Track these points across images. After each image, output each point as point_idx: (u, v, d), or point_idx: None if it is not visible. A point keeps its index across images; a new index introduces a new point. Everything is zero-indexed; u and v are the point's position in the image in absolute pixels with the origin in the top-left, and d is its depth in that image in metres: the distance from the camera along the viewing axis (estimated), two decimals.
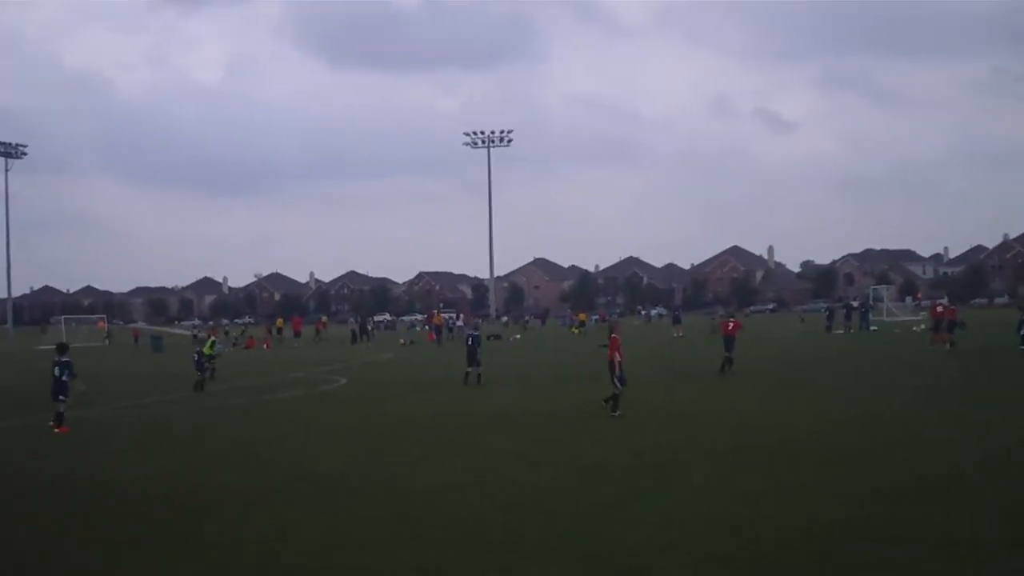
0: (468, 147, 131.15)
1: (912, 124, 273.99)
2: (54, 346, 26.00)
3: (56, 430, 22.37)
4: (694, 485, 13.96)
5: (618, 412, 21.84)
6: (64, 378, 22.74)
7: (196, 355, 34.89)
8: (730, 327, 34.48)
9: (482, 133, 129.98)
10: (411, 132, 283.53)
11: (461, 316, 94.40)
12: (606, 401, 22.43)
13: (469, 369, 32.60)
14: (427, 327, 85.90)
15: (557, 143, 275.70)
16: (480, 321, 60.59)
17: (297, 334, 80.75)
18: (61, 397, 22.67)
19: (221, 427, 23.56)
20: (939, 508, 11.94)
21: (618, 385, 22.23)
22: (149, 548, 11.41)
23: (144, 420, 25.43)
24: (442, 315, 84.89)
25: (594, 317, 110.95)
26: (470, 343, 33.21)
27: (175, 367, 45.84)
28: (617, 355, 22.49)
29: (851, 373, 32.73)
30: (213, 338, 39.57)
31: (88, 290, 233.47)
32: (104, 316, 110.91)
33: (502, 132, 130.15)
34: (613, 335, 23.22)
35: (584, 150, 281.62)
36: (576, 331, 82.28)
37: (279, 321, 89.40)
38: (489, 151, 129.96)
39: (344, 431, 21.85)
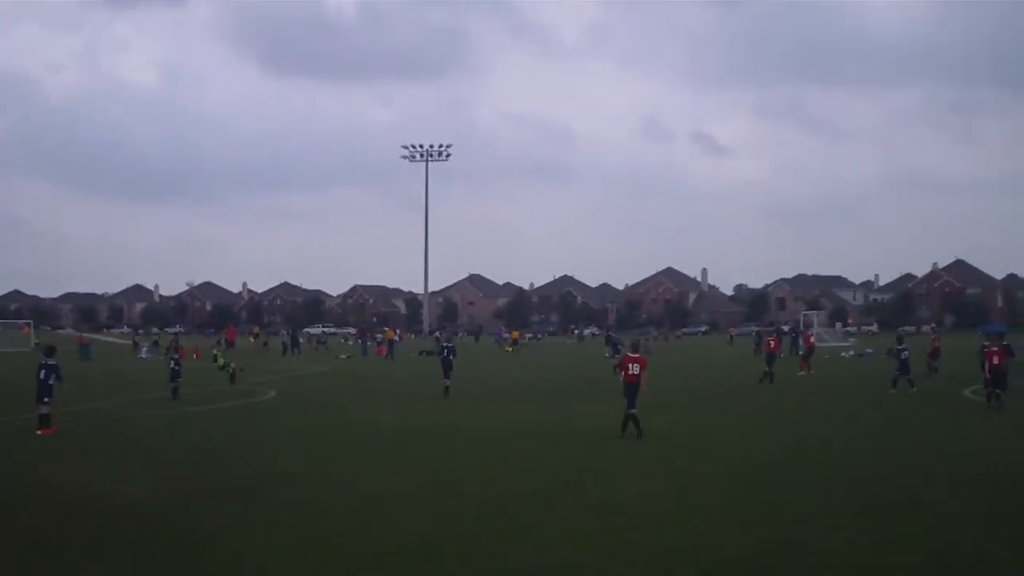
0: (406, 160, 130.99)
1: (844, 152, 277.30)
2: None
3: (39, 432, 22.60)
4: (619, 505, 13.95)
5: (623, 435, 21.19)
6: (50, 381, 23.12)
7: (173, 363, 34.46)
8: (771, 344, 39.60)
9: (420, 147, 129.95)
10: (348, 143, 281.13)
11: (398, 331, 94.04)
12: (627, 426, 21.28)
13: (445, 380, 32.99)
14: (359, 340, 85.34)
15: (493, 159, 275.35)
16: (454, 334, 60.99)
17: (231, 344, 79.69)
18: (45, 399, 23.06)
19: (142, 437, 23.20)
20: (869, 535, 12.06)
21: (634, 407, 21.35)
22: (50, 554, 11.20)
23: (67, 428, 24.93)
24: (392, 331, 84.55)
25: (528, 335, 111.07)
26: (445, 354, 33.77)
27: (108, 375, 45.08)
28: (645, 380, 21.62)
29: (772, 397, 32.96)
30: (216, 351, 42.14)
31: (15, 295, 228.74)
32: (30, 322, 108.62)
33: (440, 146, 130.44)
34: (640, 355, 22.14)
35: (520, 167, 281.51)
36: (510, 349, 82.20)
37: (230, 332, 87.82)
38: (427, 165, 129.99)
39: (267, 443, 21.61)
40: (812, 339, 52.79)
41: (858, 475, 16.48)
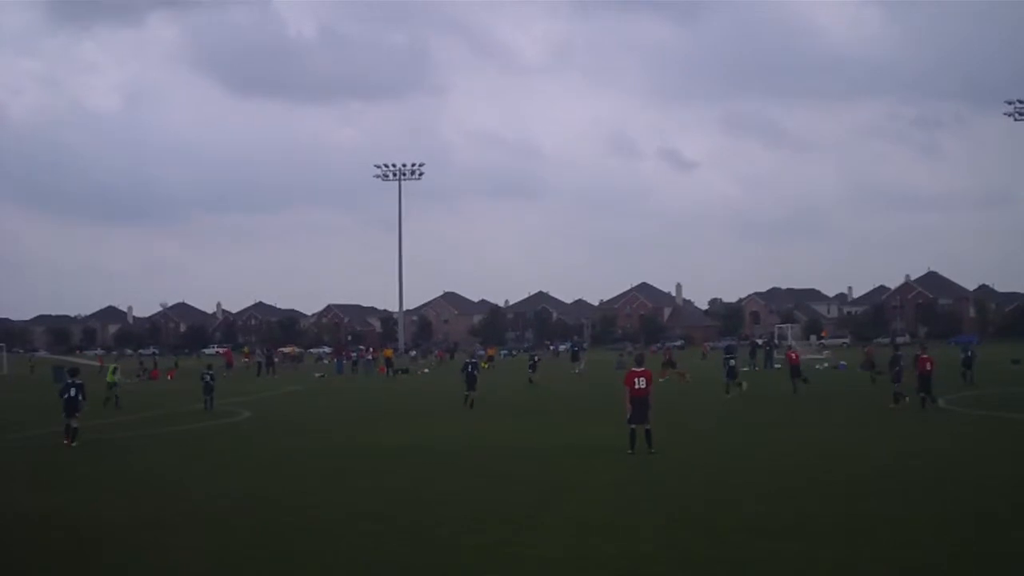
0: (379, 179, 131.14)
1: (813, 167, 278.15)
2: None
3: (66, 442, 24.98)
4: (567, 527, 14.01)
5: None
6: (80, 398, 25.50)
7: (207, 377, 36.50)
8: (794, 357, 42.47)
9: (393, 166, 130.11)
10: (317, 164, 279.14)
11: (371, 350, 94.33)
12: (635, 442, 20.88)
13: (468, 392, 35.17)
14: (336, 360, 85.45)
15: (464, 177, 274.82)
16: (479, 351, 64.58)
17: (229, 365, 79.20)
18: (77, 415, 25.43)
19: (113, 459, 23.18)
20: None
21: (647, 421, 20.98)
22: None
23: (36, 450, 24.99)
24: (390, 349, 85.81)
25: (503, 352, 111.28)
26: (470, 370, 36.02)
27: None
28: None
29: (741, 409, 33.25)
30: (115, 365, 42.00)
31: None
32: (1, 345, 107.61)
33: (413, 165, 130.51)
34: (645, 368, 21.65)
35: (491, 185, 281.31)
36: (485, 366, 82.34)
37: (227, 353, 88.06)
38: (400, 184, 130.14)
39: (237, 464, 21.61)
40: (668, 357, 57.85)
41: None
